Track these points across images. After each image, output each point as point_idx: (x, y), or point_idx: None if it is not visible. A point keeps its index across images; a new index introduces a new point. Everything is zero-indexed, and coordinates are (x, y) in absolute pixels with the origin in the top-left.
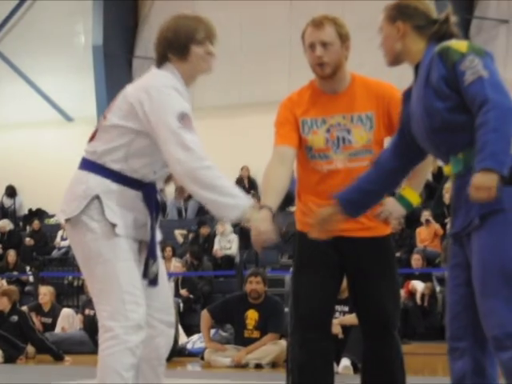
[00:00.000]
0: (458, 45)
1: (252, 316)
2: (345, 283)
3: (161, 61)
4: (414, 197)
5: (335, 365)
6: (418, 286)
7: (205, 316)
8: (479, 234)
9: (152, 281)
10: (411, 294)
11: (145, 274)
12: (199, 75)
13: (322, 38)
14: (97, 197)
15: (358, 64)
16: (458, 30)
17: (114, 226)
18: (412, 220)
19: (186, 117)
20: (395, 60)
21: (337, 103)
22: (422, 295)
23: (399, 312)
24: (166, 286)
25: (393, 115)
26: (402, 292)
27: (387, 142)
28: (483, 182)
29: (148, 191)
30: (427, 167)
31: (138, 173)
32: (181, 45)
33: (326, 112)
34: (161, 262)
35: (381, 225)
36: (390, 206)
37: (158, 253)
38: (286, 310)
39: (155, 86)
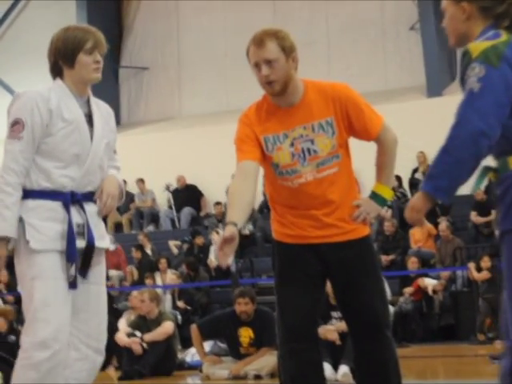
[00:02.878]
0: (476, 47)
1: (246, 334)
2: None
3: (53, 70)
4: (386, 192)
5: (335, 372)
6: (429, 282)
7: (194, 331)
8: (502, 247)
9: (71, 284)
10: (422, 291)
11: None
12: (89, 83)
13: (266, 56)
14: (20, 219)
15: (343, 67)
16: None
17: (28, 242)
18: (405, 221)
19: (18, 124)
20: (459, 42)
21: (295, 115)
22: (434, 292)
23: (388, 311)
24: (100, 313)
25: (351, 115)
26: (410, 290)
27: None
28: (414, 204)
29: (67, 199)
30: (392, 160)
31: (50, 179)
32: (69, 53)
33: (286, 126)
34: (99, 288)
35: (360, 226)
36: (366, 206)
37: (97, 278)
38: None
39: (16, 94)
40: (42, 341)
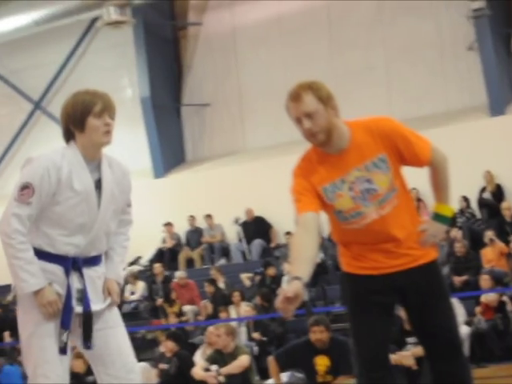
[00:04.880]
0: None
1: (322, 362)
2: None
3: (66, 134)
4: (447, 210)
5: None
6: (490, 295)
7: (271, 363)
8: None
9: (61, 349)
10: (493, 308)
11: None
12: (100, 147)
13: (305, 110)
14: None
15: (403, 91)
16: None
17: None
18: (476, 241)
19: (28, 189)
20: None
21: (347, 159)
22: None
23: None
24: (122, 353)
25: (401, 148)
26: (479, 310)
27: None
28: None
29: (68, 265)
30: (447, 178)
31: (54, 247)
32: (78, 117)
33: (341, 172)
34: (116, 331)
35: (429, 250)
36: (432, 229)
37: (112, 322)
38: None
39: (28, 158)
40: None
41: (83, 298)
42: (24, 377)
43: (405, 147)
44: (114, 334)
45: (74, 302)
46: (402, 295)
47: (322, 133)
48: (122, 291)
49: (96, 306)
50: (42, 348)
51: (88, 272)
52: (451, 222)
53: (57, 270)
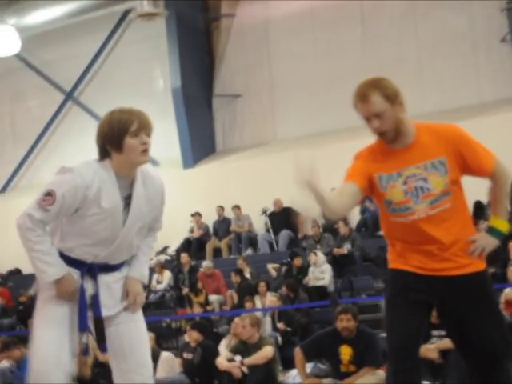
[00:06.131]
0: None
1: (346, 351)
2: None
3: (102, 153)
4: (503, 225)
5: None
6: (509, 290)
7: (298, 353)
8: None
9: (83, 351)
10: (510, 304)
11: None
12: (137, 166)
13: (373, 111)
14: None
15: (435, 83)
16: None
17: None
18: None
19: (50, 196)
20: None
21: (408, 155)
22: None
23: (509, 341)
24: (134, 349)
25: (466, 156)
26: (502, 306)
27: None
28: None
29: (83, 271)
30: (506, 193)
31: (74, 252)
32: (115, 137)
33: (400, 165)
34: (130, 326)
35: (476, 261)
36: (483, 241)
37: (128, 317)
38: (383, 335)
39: (62, 166)
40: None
41: (94, 304)
42: None
43: (470, 155)
44: (128, 329)
45: (88, 301)
46: (442, 301)
47: (391, 131)
48: (148, 284)
49: (110, 310)
50: (47, 337)
51: (103, 277)
52: (504, 237)
53: (73, 272)
